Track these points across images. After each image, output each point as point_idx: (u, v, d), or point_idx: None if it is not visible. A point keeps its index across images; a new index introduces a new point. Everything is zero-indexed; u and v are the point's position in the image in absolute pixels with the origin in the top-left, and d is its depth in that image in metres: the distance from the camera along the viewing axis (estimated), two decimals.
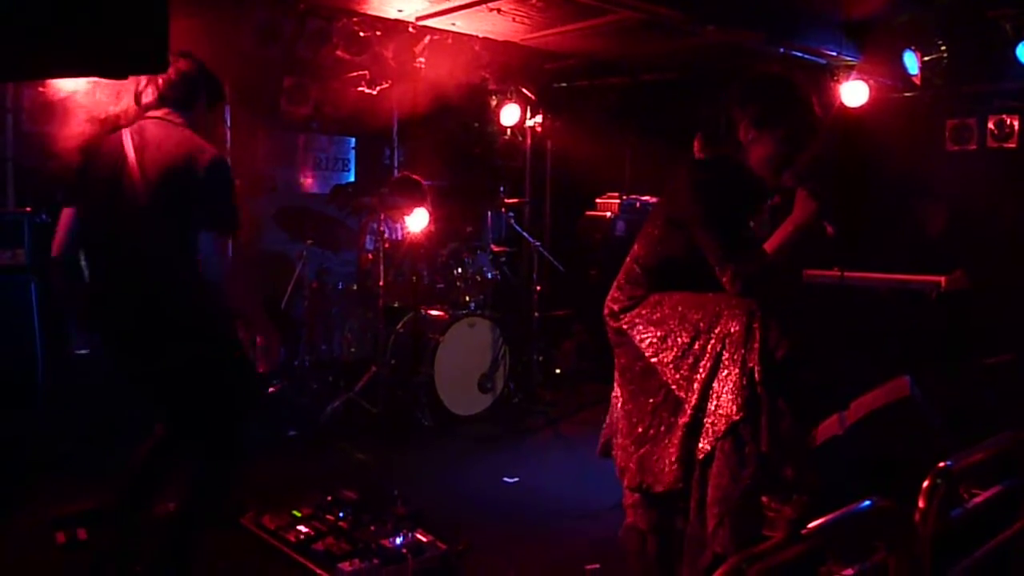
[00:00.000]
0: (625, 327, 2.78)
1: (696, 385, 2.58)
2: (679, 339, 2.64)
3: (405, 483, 3.94)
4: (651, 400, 2.70)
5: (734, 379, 2.50)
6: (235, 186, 2.80)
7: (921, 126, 6.39)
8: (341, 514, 3.51)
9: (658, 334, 2.69)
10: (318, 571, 3.11)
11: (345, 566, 3.09)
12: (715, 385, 2.53)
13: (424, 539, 3.33)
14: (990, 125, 6.25)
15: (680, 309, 2.67)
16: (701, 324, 2.60)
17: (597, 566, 3.33)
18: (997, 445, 2.33)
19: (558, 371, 6.79)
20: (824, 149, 2.79)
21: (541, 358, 6.54)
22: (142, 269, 2.75)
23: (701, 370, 2.57)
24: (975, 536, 2.42)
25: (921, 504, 1.96)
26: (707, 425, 2.53)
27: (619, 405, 2.87)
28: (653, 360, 2.69)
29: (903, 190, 6.31)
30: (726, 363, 2.52)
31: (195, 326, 2.76)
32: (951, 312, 5.17)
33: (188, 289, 2.71)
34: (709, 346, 2.56)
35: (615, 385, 2.91)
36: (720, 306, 2.59)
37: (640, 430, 2.73)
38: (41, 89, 4.97)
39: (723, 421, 2.49)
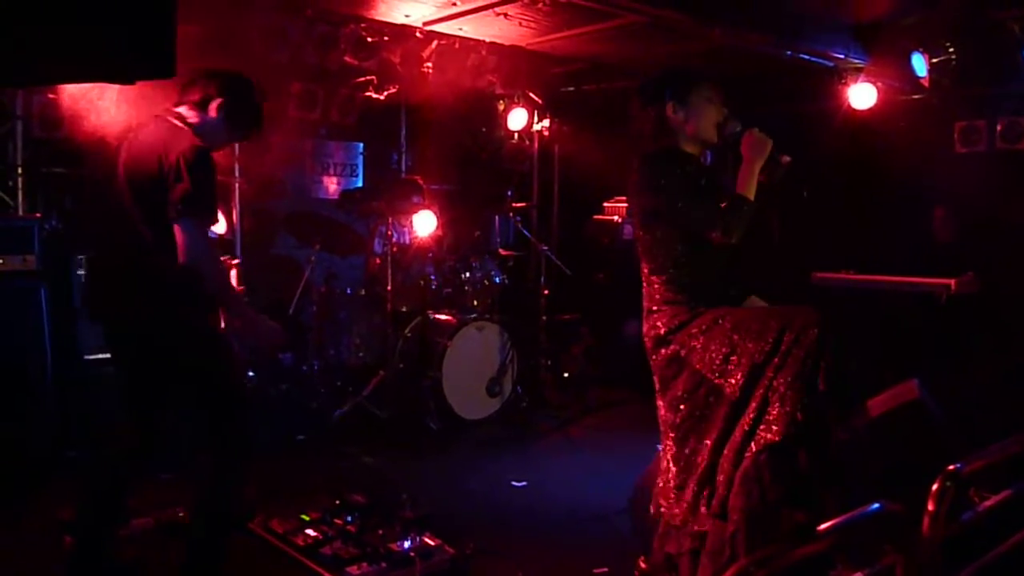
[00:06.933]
0: (682, 352, 2.70)
1: (759, 392, 2.52)
2: (746, 351, 2.57)
3: (413, 487, 3.94)
4: (716, 428, 2.61)
5: (799, 389, 2.44)
6: (208, 176, 2.76)
7: (930, 128, 6.36)
8: (349, 518, 3.52)
9: (723, 352, 2.61)
10: (326, 575, 3.11)
11: (353, 570, 3.09)
12: (775, 392, 2.48)
13: (432, 543, 3.33)
14: (999, 127, 6.22)
15: (742, 322, 2.62)
16: (769, 334, 2.54)
17: (605, 569, 3.33)
18: (1008, 448, 2.31)
19: (566, 375, 6.78)
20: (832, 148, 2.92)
21: (549, 362, 6.53)
22: (123, 263, 2.85)
23: (766, 379, 2.52)
24: (985, 540, 2.40)
25: (930, 507, 1.94)
26: (760, 431, 2.48)
27: (671, 451, 2.75)
28: (718, 381, 2.61)
29: (912, 193, 6.28)
30: (792, 372, 2.47)
31: (171, 316, 2.80)
32: (961, 315, 5.14)
33: (163, 281, 2.76)
34: (778, 354, 2.51)
35: (665, 434, 2.79)
36: (789, 314, 2.56)
37: (705, 463, 2.62)
38: (51, 96, 5.00)
39: (779, 429, 2.43)
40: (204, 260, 2.74)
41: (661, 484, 2.82)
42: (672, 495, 2.73)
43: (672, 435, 2.75)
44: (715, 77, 2.91)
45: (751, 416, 2.51)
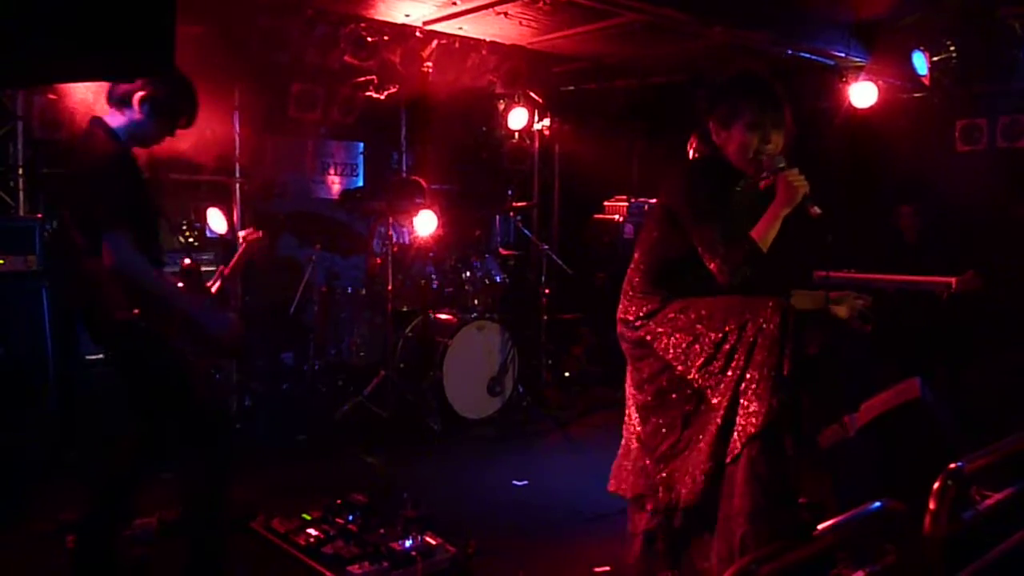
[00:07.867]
0: (648, 337, 2.72)
1: (726, 385, 2.52)
2: (708, 340, 2.58)
3: (414, 486, 3.94)
4: (679, 412, 2.64)
5: (769, 377, 2.44)
6: (114, 185, 2.71)
7: (930, 127, 6.36)
8: (351, 517, 3.52)
9: (686, 340, 2.63)
10: (328, 574, 3.11)
11: (355, 569, 3.09)
12: (748, 384, 2.48)
13: (433, 542, 3.33)
14: (1000, 125, 6.21)
15: (706, 312, 2.63)
16: (731, 323, 2.55)
17: (607, 568, 3.33)
18: (1009, 446, 2.31)
19: (567, 374, 6.79)
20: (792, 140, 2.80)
21: (550, 361, 6.53)
22: (68, 268, 2.96)
23: (732, 370, 2.52)
24: (987, 539, 2.40)
25: (932, 506, 1.94)
26: (739, 425, 2.48)
27: (634, 427, 2.79)
28: (680, 368, 2.63)
29: (913, 191, 6.28)
30: (760, 361, 2.46)
31: (106, 320, 2.80)
32: (962, 313, 5.14)
33: (97, 285, 2.75)
34: (741, 344, 2.50)
35: (629, 407, 2.83)
36: (752, 304, 2.55)
37: (666, 446, 2.66)
38: (51, 97, 5.00)
39: (757, 420, 2.44)
40: (127, 269, 2.70)
41: (618, 459, 2.88)
42: (628, 470, 2.79)
43: (637, 416, 2.80)
44: (772, 94, 2.71)
45: (722, 408, 2.53)
